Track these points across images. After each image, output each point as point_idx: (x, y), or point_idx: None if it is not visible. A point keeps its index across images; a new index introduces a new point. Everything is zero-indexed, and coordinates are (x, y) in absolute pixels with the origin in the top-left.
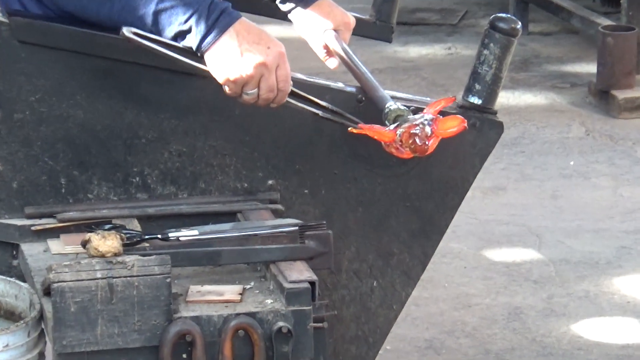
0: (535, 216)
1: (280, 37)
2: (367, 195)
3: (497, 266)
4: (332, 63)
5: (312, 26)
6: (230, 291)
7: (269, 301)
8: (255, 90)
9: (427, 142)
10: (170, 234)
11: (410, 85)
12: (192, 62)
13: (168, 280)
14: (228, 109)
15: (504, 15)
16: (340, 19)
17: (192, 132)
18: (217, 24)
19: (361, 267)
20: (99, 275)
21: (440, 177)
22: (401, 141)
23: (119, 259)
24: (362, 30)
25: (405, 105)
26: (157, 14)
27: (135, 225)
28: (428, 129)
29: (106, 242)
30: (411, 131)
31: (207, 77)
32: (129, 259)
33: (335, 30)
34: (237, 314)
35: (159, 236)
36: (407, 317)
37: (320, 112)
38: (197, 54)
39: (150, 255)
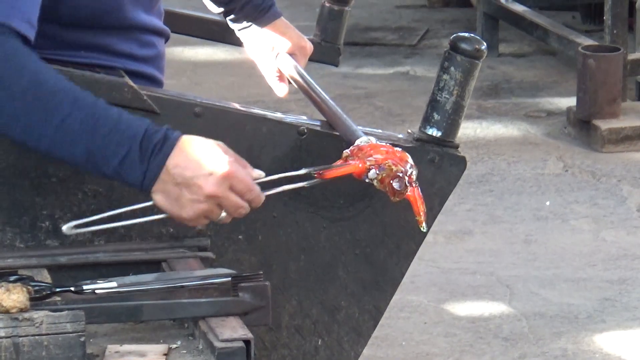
0: (505, 264)
1: (214, 61)
2: (310, 241)
3: (461, 321)
4: (282, 90)
5: (264, 47)
6: (154, 351)
7: None
8: (223, 214)
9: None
10: (84, 286)
11: (362, 115)
12: (153, 218)
13: (82, 339)
14: None
15: (466, 34)
16: (297, 42)
17: None
18: (150, 163)
19: (304, 323)
20: (2, 333)
21: (393, 220)
22: (375, 181)
23: (26, 315)
24: None
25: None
26: (89, 154)
27: (44, 277)
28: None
29: (11, 296)
30: (392, 183)
31: (126, 107)
32: (37, 315)
33: (289, 54)
34: None
35: (72, 289)
36: None
37: (305, 184)
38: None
39: (61, 310)
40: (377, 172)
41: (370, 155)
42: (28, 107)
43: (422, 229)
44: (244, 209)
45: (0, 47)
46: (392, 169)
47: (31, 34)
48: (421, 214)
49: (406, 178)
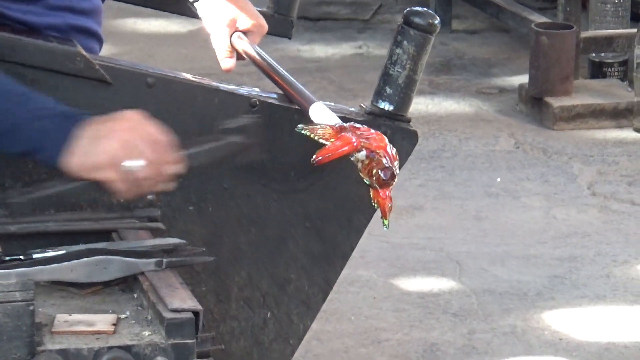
0: (455, 240)
1: (166, 33)
2: (261, 213)
3: (411, 297)
4: (227, 63)
5: (222, 21)
6: (103, 321)
7: (146, 333)
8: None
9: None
10: (34, 255)
11: (316, 89)
12: None
13: (31, 307)
14: (101, 110)
15: (419, 9)
16: (255, 19)
17: None
18: (73, 129)
19: (253, 295)
20: None
21: (344, 194)
22: (363, 170)
23: None
24: None
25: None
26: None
27: None
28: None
29: None
30: (379, 172)
31: (79, 76)
32: None
33: (245, 31)
34: (110, 347)
35: (22, 257)
36: (307, 354)
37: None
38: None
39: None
40: (367, 155)
41: (367, 138)
42: None
43: (384, 227)
44: (162, 144)
45: None
46: (381, 160)
47: None
48: (387, 213)
49: (394, 169)
